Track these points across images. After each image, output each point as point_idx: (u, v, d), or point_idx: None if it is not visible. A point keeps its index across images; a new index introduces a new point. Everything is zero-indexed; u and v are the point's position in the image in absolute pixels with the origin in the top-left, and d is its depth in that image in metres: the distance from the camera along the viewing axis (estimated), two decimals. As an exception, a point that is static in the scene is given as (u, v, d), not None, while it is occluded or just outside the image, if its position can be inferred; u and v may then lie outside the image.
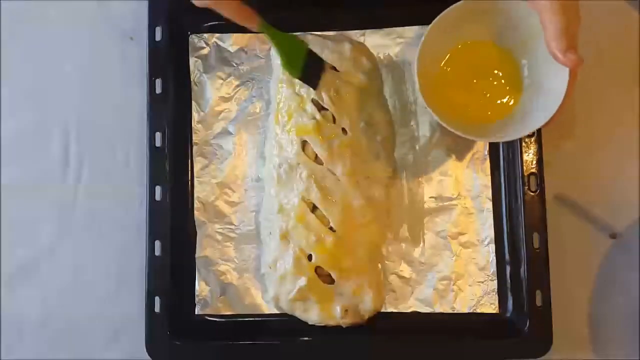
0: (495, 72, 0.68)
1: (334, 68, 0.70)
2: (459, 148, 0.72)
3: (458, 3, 0.62)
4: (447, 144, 0.72)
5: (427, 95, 0.63)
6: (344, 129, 0.69)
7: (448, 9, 0.63)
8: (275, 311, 0.70)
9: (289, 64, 0.65)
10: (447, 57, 0.68)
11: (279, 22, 0.73)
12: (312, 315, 0.68)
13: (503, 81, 0.68)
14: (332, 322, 0.68)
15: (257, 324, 0.71)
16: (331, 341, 0.69)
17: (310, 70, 0.66)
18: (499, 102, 0.67)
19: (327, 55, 0.70)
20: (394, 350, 0.68)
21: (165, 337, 0.69)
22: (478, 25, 0.66)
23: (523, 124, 0.64)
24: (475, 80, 0.68)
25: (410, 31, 0.73)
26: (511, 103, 0.67)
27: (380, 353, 0.68)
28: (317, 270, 0.67)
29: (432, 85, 0.65)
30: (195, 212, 0.72)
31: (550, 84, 0.62)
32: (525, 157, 0.69)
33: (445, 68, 0.68)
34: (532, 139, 0.69)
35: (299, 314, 0.68)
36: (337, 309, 0.67)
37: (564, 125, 0.74)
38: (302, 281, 0.67)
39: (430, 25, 0.63)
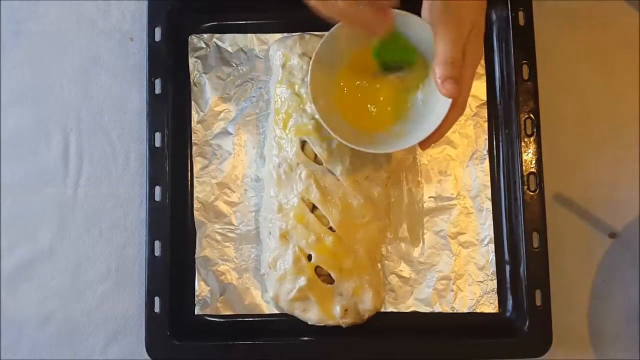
0: (390, 88, 0.66)
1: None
2: (459, 148, 0.72)
3: None
4: (446, 143, 0.72)
5: (320, 106, 0.62)
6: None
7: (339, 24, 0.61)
8: (275, 311, 0.70)
9: (412, 55, 0.62)
10: (348, 66, 0.65)
11: (278, 22, 0.74)
12: (312, 315, 0.68)
13: (397, 97, 0.66)
14: (331, 322, 0.68)
15: (256, 324, 0.71)
16: (331, 341, 0.69)
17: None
18: (382, 116, 0.66)
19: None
20: (393, 350, 0.68)
21: (164, 337, 0.69)
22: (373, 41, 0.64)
23: (402, 139, 0.63)
24: (367, 95, 0.66)
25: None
26: (398, 119, 0.66)
27: (380, 353, 0.68)
28: (317, 270, 0.67)
29: (328, 97, 0.64)
30: (195, 212, 0.72)
31: (434, 106, 0.62)
32: (524, 156, 0.69)
33: (343, 77, 0.66)
34: (532, 139, 0.70)
35: (298, 313, 0.69)
36: (337, 309, 0.67)
37: (563, 125, 0.74)
38: (302, 281, 0.67)
39: (327, 33, 0.62)
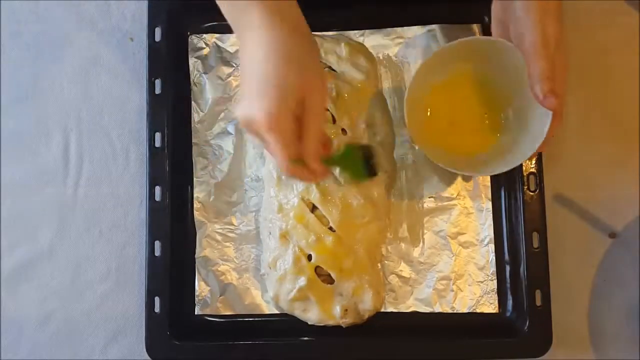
0: (480, 107, 0.69)
1: (332, 69, 0.70)
2: (459, 148, 0.72)
3: (451, 43, 0.63)
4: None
5: (415, 134, 0.65)
6: (343, 130, 0.69)
7: (440, 48, 0.64)
8: (275, 311, 0.70)
9: (357, 175, 0.64)
10: (435, 92, 0.68)
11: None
12: (312, 315, 0.68)
13: (487, 117, 0.69)
14: (331, 322, 0.68)
15: (256, 324, 0.71)
16: (331, 341, 0.69)
17: (368, 160, 0.65)
18: (482, 136, 0.69)
19: (325, 55, 0.70)
20: (393, 350, 0.68)
21: (164, 337, 0.69)
22: (467, 64, 0.67)
23: (504, 160, 0.65)
24: (460, 115, 0.69)
25: (410, 31, 0.73)
26: (494, 138, 0.69)
27: (380, 353, 0.68)
28: (317, 270, 0.67)
29: (419, 120, 0.67)
30: (195, 212, 0.72)
31: (533, 123, 0.64)
32: (524, 156, 0.69)
33: (432, 104, 0.69)
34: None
35: (298, 313, 0.69)
36: (337, 309, 0.67)
37: (564, 125, 0.74)
38: (302, 281, 0.67)
39: (421, 64, 0.64)
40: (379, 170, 0.65)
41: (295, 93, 0.50)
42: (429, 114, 0.69)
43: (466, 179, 0.71)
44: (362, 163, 0.62)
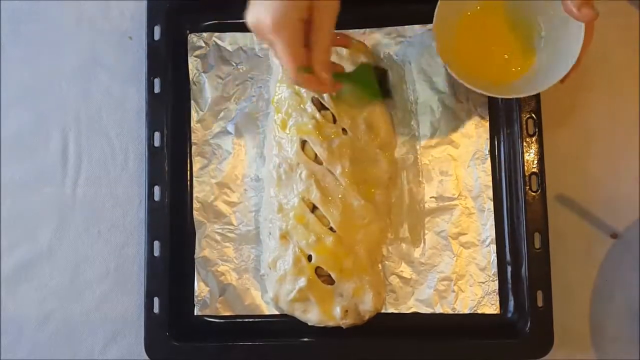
0: (511, 33, 0.68)
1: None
2: (460, 148, 0.72)
3: None
4: (448, 143, 0.72)
5: (445, 56, 0.64)
6: (344, 129, 0.69)
7: None
8: (275, 312, 0.70)
9: (372, 93, 0.64)
10: (464, 19, 0.68)
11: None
12: (312, 315, 0.68)
13: (519, 41, 0.68)
14: (331, 323, 0.67)
15: (256, 324, 0.71)
16: (331, 342, 0.69)
17: (382, 83, 0.65)
18: (515, 62, 0.68)
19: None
20: (394, 351, 0.68)
21: (164, 338, 0.68)
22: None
23: (539, 81, 0.65)
24: (491, 41, 0.68)
25: (411, 30, 0.73)
26: (528, 62, 0.68)
27: (381, 354, 0.68)
28: (317, 270, 0.67)
29: (449, 47, 0.66)
30: (195, 212, 0.72)
31: (565, 42, 0.63)
32: (526, 156, 0.69)
33: (462, 30, 0.68)
34: (533, 139, 0.69)
35: (298, 314, 0.68)
36: (337, 310, 0.67)
37: (565, 125, 0.74)
38: (302, 282, 0.67)
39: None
40: (393, 94, 0.64)
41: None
42: (458, 40, 0.68)
43: (467, 179, 0.71)
44: (377, 82, 0.61)
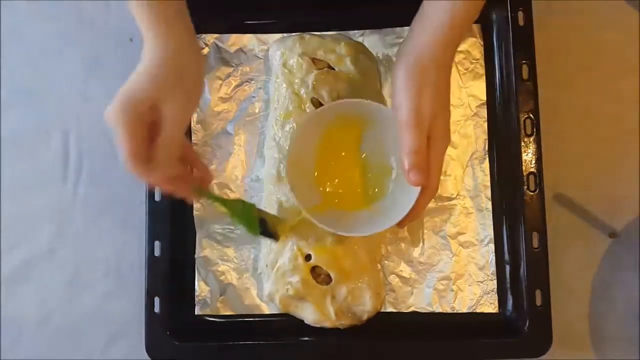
0: (365, 167, 0.68)
1: (332, 68, 0.70)
2: (459, 148, 0.72)
3: (330, 104, 0.64)
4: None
5: (296, 181, 0.64)
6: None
7: (318, 109, 0.64)
8: (275, 311, 0.70)
9: (249, 225, 0.64)
10: (323, 149, 0.67)
11: (278, 22, 0.74)
12: (308, 315, 0.68)
13: (370, 177, 0.68)
14: (328, 324, 0.68)
15: (256, 324, 0.71)
16: (331, 341, 0.69)
17: (265, 225, 0.66)
18: (364, 195, 0.68)
19: (324, 54, 0.70)
20: (393, 350, 0.68)
21: (164, 338, 0.69)
22: (350, 124, 0.66)
23: (377, 220, 0.64)
24: (345, 173, 0.68)
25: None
26: (375, 197, 0.68)
27: (380, 353, 0.68)
28: (316, 269, 0.67)
29: (308, 170, 0.66)
30: (195, 213, 0.72)
31: (405, 192, 0.62)
32: (524, 156, 0.69)
33: (320, 158, 0.68)
34: (531, 139, 0.69)
35: (293, 312, 0.69)
36: (331, 311, 0.67)
37: (563, 125, 0.74)
38: (297, 282, 0.67)
39: (298, 125, 0.65)
40: (277, 237, 0.66)
41: (144, 99, 0.52)
42: (317, 166, 0.68)
43: (466, 178, 0.71)
44: (256, 220, 0.64)
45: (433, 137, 0.58)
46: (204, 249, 0.72)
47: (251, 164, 0.73)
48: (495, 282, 0.70)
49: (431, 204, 0.71)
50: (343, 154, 0.68)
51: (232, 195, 0.72)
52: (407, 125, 0.57)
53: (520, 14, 0.71)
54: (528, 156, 0.69)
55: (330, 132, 0.67)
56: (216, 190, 0.72)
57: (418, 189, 0.61)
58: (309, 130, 0.65)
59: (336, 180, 0.68)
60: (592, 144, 0.74)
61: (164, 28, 0.55)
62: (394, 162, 0.67)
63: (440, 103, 0.59)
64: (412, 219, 0.63)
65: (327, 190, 0.68)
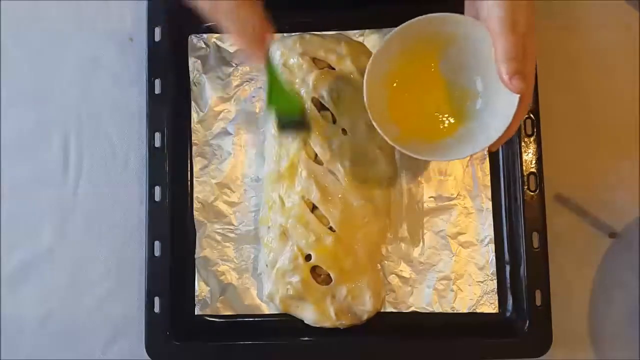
0: (446, 91, 0.66)
1: (332, 67, 0.70)
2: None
3: (411, 21, 0.61)
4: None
5: (376, 115, 0.62)
6: (343, 129, 0.69)
7: (399, 27, 0.61)
8: (275, 311, 0.70)
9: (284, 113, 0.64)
10: (398, 75, 0.65)
11: (278, 22, 0.73)
12: (308, 315, 0.68)
13: (453, 101, 0.66)
14: (328, 324, 0.68)
15: (256, 324, 0.71)
16: (331, 341, 0.69)
17: (295, 125, 0.65)
18: (447, 121, 0.66)
19: (325, 54, 0.70)
20: (393, 350, 0.68)
21: (164, 338, 0.69)
22: (428, 45, 0.64)
23: (468, 143, 0.62)
24: (423, 98, 0.66)
25: (410, 31, 0.73)
26: (459, 123, 0.65)
27: (380, 353, 0.68)
28: (316, 269, 0.67)
29: (381, 104, 0.63)
30: (195, 213, 0.72)
31: (499, 107, 0.61)
32: (524, 156, 0.69)
33: (394, 87, 0.65)
34: (532, 139, 0.70)
35: (294, 312, 0.69)
36: (332, 311, 0.67)
37: (564, 125, 0.74)
38: (297, 282, 0.67)
39: (379, 46, 0.62)
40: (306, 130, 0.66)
41: None
42: (390, 98, 0.65)
43: (466, 178, 0.71)
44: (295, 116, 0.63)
45: (526, 46, 0.57)
46: (204, 249, 0.72)
47: (251, 163, 0.73)
48: (495, 282, 0.70)
49: (431, 204, 0.71)
50: (421, 80, 0.66)
51: (232, 195, 0.73)
52: (506, 31, 0.56)
53: (521, 14, 0.71)
54: (528, 156, 0.69)
55: (405, 59, 0.64)
56: (216, 190, 0.72)
57: (514, 101, 0.59)
58: (384, 57, 0.62)
59: (415, 110, 0.66)
60: (592, 144, 0.74)
61: None
62: (479, 83, 0.65)
63: (531, 22, 0.57)
64: (510, 135, 0.61)
65: (406, 120, 0.65)
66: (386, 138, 0.61)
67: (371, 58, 0.61)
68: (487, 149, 0.62)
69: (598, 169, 0.73)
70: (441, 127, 0.65)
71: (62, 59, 0.77)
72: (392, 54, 0.63)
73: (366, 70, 0.61)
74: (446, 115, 0.66)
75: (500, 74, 0.57)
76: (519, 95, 0.58)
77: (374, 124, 0.61)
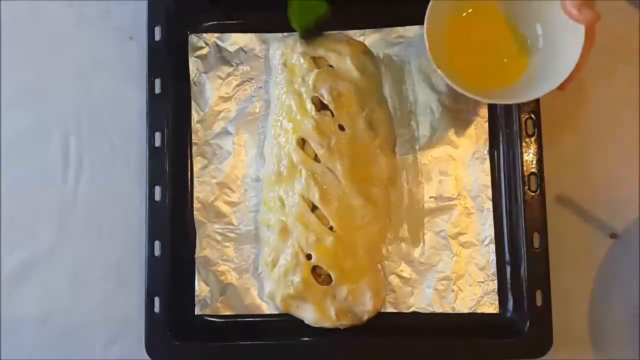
0: (507, 35, 0.66)
1: (332, 66, 0.70)
2: (460, 148, 0.72)
3: None
4: (447, 143, 0.72)
5: (436, 58, 0.62)
6: (341, 126, 0.69)
7: None
8: (275, 311, 0.70)
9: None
10: (456, 20, 0.66)
11: (278, 21, 0.74)
12: (308, 315, 0.68)
13: (515, 44, 0.66)
14: (328, 324, 0.67)
15: (257, 324, 0.71)
16: (331, 342, 0.69)
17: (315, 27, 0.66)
18: (510, 65, 0.66)
19: (325, 54, 0.70)
20: (394, 350, 0.68)
21: (164, 338, 0.69)
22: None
23: (536, 87, 0.62)
24: (485, 44, 0.67)
25: (410, 31, 0.73)
26: (524, 66, 0.66)
27: (380, 353, 0.68)
28: (317, 269, 0.67)
29: (441, 49, 0.64)
30: (195, 212, 0.72)
31: (564, 46, 0.61)
32: (525, 157, 0.69)
33: (454, 31, 0.66)
34: (532, 139, 0.69)
35: (294, 312, 0.69)
36: (332, 311, 0.67)
37: (564, 125, 0.74)
38: (298, 282, 0.67)
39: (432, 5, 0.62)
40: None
41: None
42: (450, 42, 0.66)
43: (466, 178, 0.71)
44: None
45: None
46: (204, 249, 0.72)
47: (251, 163, 0.73)
48: (495, 282, 0.70)
49: (432, 204, 0.71)
50: (481, 26, 0.66)
51: (232, 195, 0.72)
52: None
53: (521, 14, 0.71)
54: (529, 156, 0.69)
55: (463, 8, 0.65)
56: (216, 190, 0.72)
57: (581, 36, 0.58)
58: (442, 5, 0.62)
59: (477, 58, 0.66)
60: (593, 144, 0.74)
61: None
62: (539, 28, 0.65)
63: None
64: (579, 70, 0.60)
65: (468, 69, 0.65)
66: (453, 85, 0.61)
67: (429, 5, 0.62)
68: (558, 86, 0.61)
69: (599, 170, 0.73)
70: (505, 73, 0.66)
71: (62, 59, 0.77)
72: (449, 5, 0.63)
73: (425, 17, 0.62)
74: (508, 61, 0.66)
75: (566, 8, 0.56)
76: (583, 29, 0.58)
77: (439, 71, 0.61)
